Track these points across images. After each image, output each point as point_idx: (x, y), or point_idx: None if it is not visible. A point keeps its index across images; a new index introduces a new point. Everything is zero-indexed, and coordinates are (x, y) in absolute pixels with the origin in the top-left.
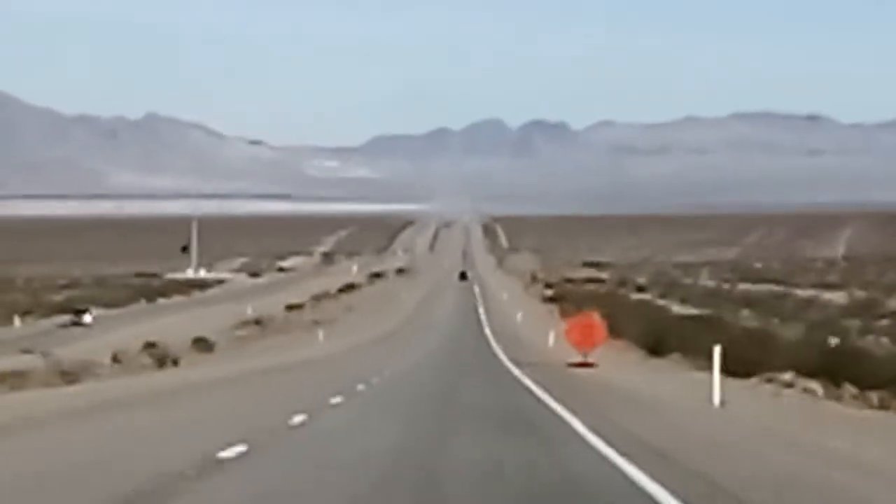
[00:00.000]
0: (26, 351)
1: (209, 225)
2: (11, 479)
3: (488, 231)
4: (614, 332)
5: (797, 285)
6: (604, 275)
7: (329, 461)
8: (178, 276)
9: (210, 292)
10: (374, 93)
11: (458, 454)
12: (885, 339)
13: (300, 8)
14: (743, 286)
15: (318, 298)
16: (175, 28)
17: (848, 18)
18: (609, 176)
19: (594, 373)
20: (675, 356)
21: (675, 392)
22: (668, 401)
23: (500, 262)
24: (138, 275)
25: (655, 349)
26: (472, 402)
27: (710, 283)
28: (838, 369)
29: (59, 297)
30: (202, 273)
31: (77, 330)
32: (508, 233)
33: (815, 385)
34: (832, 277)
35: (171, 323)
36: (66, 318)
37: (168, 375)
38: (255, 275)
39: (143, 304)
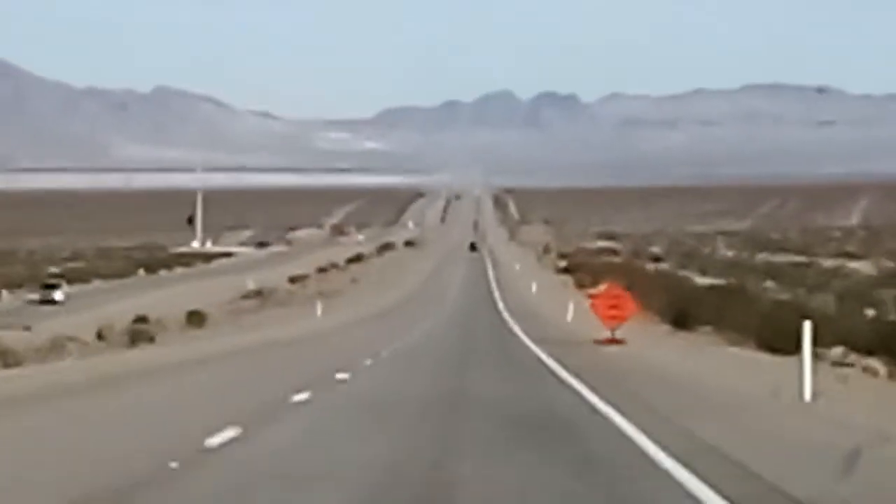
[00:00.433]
0: (4, 327)
1: (219, 197)
2: None
3: (499, 203)
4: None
5: (817, 255)
6: (618, 245)
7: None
8: (183, 249)
9: (214, 264)
10: (384, 65)
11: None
12: None
13: None
14: (761, 256)
15: (324, 270)
16: (186, 0)
17: None
18: (619, 148)
19: (627, 352)
20: (705, 329)
21: (740, 380)
22: (743, 394)
23: (512, 234)
24: (141, 247)
25: (681, 322)
26: (485, 402)
27: (729, 254)
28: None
29: (57, 270)
30: (208, 245)
31: (47, 308)
32: (519, 205)
33: (874, 363)
34: (851, 247)
35: (168, 295)
36: (35, 294)
37: (134, 355)
38: (262, 245)
39: (142, 275)
